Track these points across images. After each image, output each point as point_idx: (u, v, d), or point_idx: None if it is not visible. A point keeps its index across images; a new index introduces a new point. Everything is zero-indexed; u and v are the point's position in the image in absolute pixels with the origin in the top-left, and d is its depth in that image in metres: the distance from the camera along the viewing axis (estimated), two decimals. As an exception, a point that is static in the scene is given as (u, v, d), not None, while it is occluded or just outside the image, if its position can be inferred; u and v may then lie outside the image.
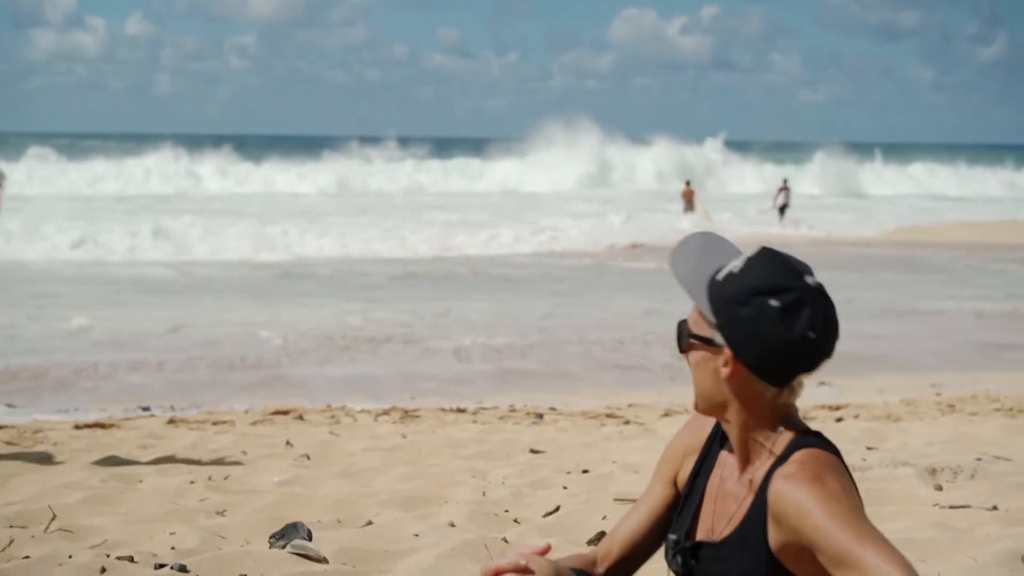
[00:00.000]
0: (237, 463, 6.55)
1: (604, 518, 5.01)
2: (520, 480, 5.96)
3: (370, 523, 5.03)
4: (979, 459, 6.05)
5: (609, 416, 8.56)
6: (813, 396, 9.66)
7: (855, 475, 5.55)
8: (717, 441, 2.46)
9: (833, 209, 38.43)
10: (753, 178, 51.38)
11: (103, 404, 9.39)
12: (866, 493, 5.17)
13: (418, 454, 6.87)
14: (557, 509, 5.22)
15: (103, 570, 4.11)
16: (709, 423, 2.48)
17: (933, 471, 5.74)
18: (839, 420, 8.18)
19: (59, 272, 19.40)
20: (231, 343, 12.44)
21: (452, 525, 4.92)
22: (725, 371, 2.28)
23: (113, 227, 25.02)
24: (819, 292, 2.26)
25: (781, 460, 2.26)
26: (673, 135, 54.70)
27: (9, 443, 7.16)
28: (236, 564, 4.22)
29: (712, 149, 54.90)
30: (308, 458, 6.75)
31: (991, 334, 13.92)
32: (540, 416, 8.59)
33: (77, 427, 7.94)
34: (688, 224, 29.62)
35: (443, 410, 8.91)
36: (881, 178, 54.16)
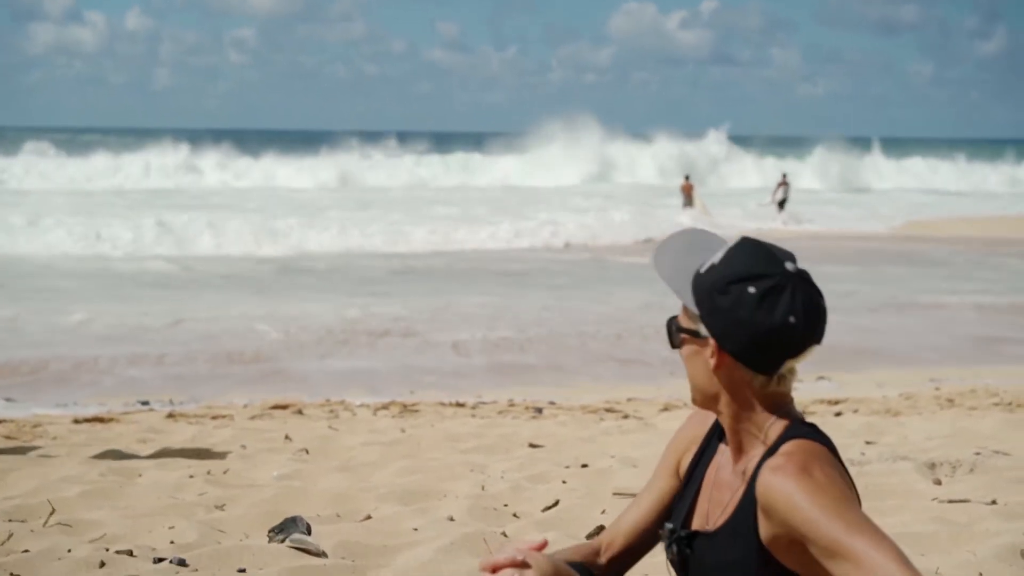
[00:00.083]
0: (236, 457, 6.56)
1: (603, 512, 5.01)
2: (519, 474, 5.96)
3: (369, 517, 5.03)
4: (978, 453, 6.05)
5: (608, 410, 8.56)
6: (812, 390, 9.66)
7: (854, 469, 5.56)
8: (717, 432, 2.47)
9: (835, 204, 38.38)
10: (753, 172, 51.34)
11: (102, 398, 9.40)
12: (865, 487, 5.18)
13: (417, 448, 6.87)
14: (556, 503, 5.22)
15: (102, 564, 4.11)
16: (713, 415, 2.49)
17: (932, 465, 5.74)
18: (838, 414, 8.18)
19: (59, 266, 19.39)
20: (230, 337, 12.44)
21: (451, 519, 4.92)
22: (712, 362, 2.29)
23: (113, 222, 25.01)
24: (799, 277, 2.26)
25: (772, 451, 2.26)
26: (673, 129, 54.73)
27: (8, 437, 7.16)
28: (235, 558, 4.22)
29: (715, 141, 54.82)
30: (307, 452, 6.75)
31: (991, 328, 13.92)
32: (539, 410, 8.59)
33: (76, 421, 7.95)
34: (687, 218, 29.60)
35: (442, 404, 8.91)
36: (881, 173, 54.15)
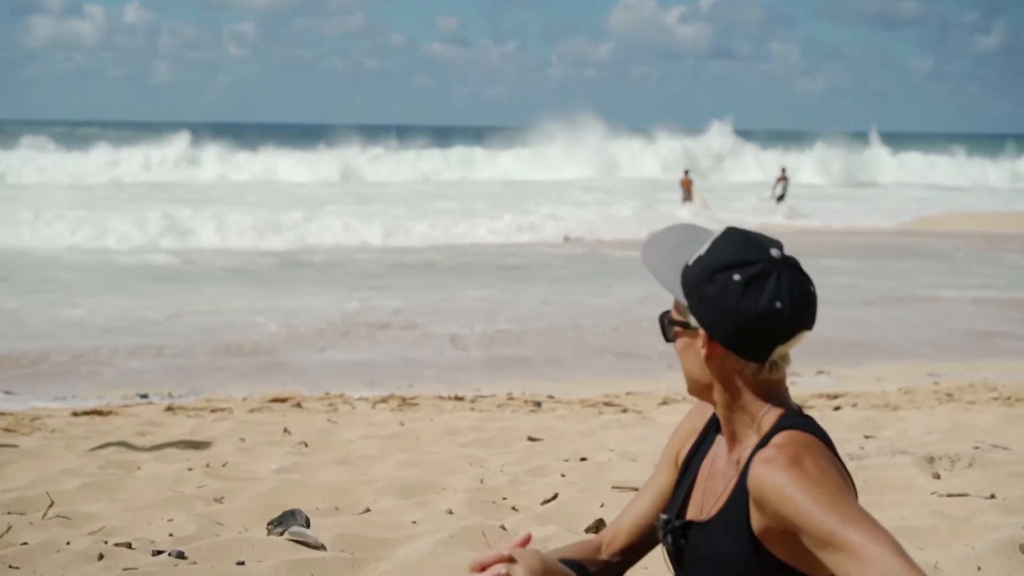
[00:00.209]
0: (235, 450, 6.55)
1: (602, 506, 5.01)
2: (518, 468, 5.96)
3: (368, 510, 5.03)
4: (977, 448, 6.05)
5: (607, 404, 8.56)
6: (811, 385, 9.67)
7: (853, 464, 5.56)
8: (716, 424, 2.47)
9: (837, 199, 38.31)
10: (753, 167, 51.29)
11: (102, 391, 9.40)
12: (864, 482, 5.18)
13: (416, 442, 6.87)
14: (555, 497, 5.22)
15: (101, 556, 4.12)
16: (713, 408, 2.49)
17: (931, 460, 5.74)
18: (837, 409, 8.18)
19: (62, 260, 19.39)
20: (230, 330, 12.44)
21: (450, 512, 4.92)
22: (703, 352, 2.30)
23: (113, 215, 25.01)
24: (785, 263, 2.26)
25: (765, 441, 2.26)
26: (672, 124, 54.66)
27: (7, 430, 7.17)
28: (234, 551, 4.22)
29: (720, 133, 54.74)
30: (306, 445, 6.75)
31: (991, 323, 13.92)
32: (538, 404, 8.59)
33: (75, 414, 7.95)
34: (686, 213, 29.59)
35: (441, 398, 8.91)
36: (882, 168, 54.10)
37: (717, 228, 2.40)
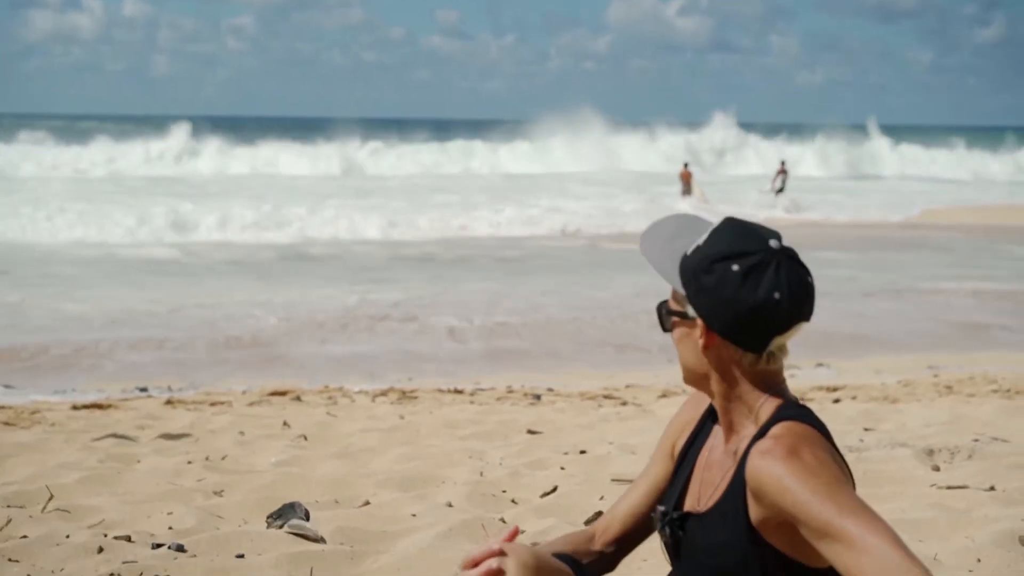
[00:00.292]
0: (235, 443, 6.56)
1: (601, 499, 5.01)
2: (517, 461, 5.96)
3: (367, 503, 5.04)
4: (976, 440, 6.05)
5: (606, 397, 8.56)
6: (811, 377, 9.67)
7: (852, 456, 5.56)
8: (712, 414, 2.47)
9: (838, 192, 38.29)
10: (753, 160, 51.29)
11: (101, 384, 9.40)
12: (863, 474, 5.18)
13: (415, 435, 6.87)
14: (554, 490, 5.22)
15: (100, 550, 4.12)
16: (708, 399, 2.48)
17: (931, 452, 5.74)
18: (836, 401, 8.18)
19: (63, 253, 19.40)
20: (231, 323, 12.45)
21: (449, 505, 4.92)
22: (701, 342, 2.30)
23: (114, 209, 25.01)
24: (783, 254, 2.26)
25: (762, 432, 2.26)
26: (672, 117, 54.71)
27: (7, 423, 7.17)
28: (233, 544, 4.22)
29: (722, 125, 54.75)
30: (305, 439, 6.75)
31: (990, 315, 13.92)
32: (537, 397, 8.59)
33: (75, 408, 7.95)
34: (686, 205, 29.58)
35: (440, 391, 8.91)
36: (883, 160, 54.09)
37: (716, 219, 2.40)
